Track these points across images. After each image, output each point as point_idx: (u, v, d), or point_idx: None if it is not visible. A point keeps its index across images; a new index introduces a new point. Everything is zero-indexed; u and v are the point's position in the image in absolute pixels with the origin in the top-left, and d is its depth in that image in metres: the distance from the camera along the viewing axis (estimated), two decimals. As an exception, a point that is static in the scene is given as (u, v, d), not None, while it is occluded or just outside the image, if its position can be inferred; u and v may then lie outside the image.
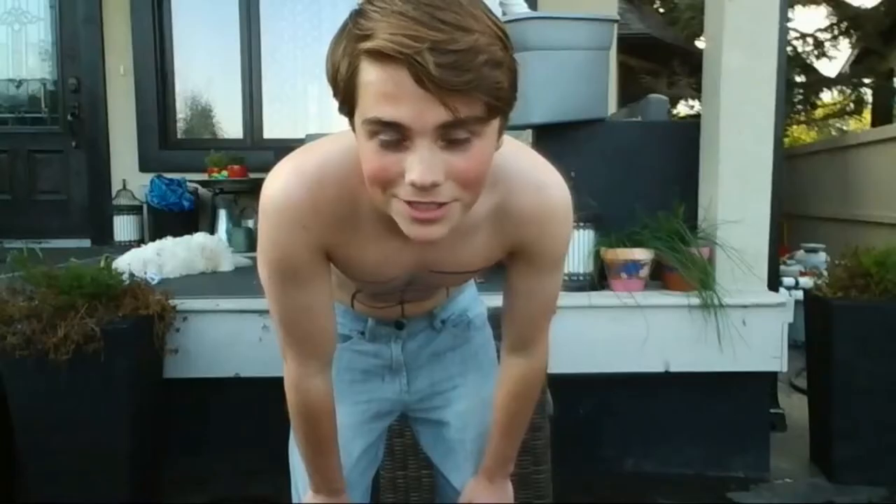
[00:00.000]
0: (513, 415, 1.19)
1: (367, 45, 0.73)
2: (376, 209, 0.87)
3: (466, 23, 0.71)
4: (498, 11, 2.89)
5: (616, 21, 2.86)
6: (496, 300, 2.39)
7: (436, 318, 1.23)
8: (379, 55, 0.72)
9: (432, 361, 1.25)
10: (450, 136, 0.75)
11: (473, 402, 1.26)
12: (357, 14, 0.76)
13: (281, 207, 0.89)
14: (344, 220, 0.92)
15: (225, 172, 4.76)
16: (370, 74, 0.74)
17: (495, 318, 2.29)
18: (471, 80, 0.71)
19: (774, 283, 2.78)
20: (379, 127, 0.75)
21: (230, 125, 5.52)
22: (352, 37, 0.76)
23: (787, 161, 4.65)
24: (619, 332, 2.46)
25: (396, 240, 0.91)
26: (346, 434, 1.16)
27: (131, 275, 2.36)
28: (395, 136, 0.75)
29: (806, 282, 3.81)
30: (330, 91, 0.84)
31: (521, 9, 3.03)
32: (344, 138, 0.89)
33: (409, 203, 0.79)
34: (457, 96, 0.71)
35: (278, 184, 0.90)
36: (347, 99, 0.80)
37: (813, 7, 8.41)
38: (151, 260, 3.08)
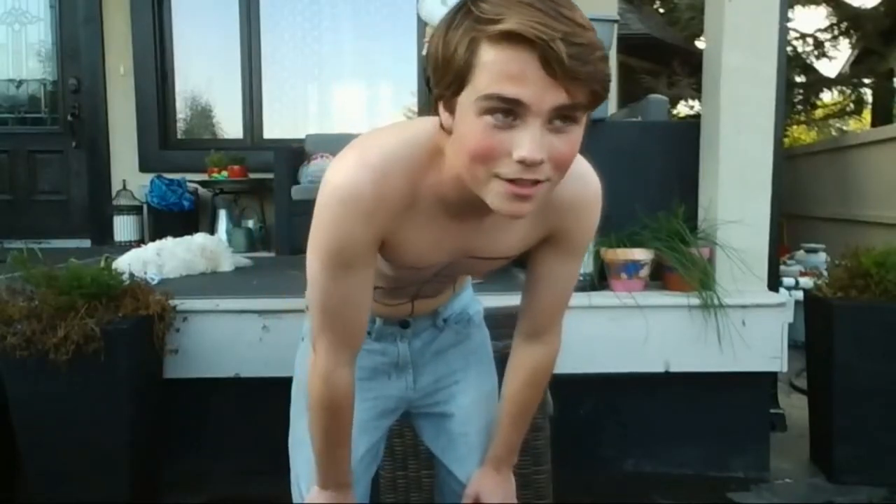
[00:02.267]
0: (524, 403, 1.22)
1: (499, 27, 0.77)
2: (435, 195, 0.94)
3: (584, 21, 0.79)
4: None
5: (616, 21, 2.86)
6: (495, 300, 2.39)
7: (439, 317, 1.25)
8: (511, 37, 0.77)
9: (436, 358, 1.26)
10: (557, 120, 0.81)
11: (476, 395, 1.28)
12: (479, 0, 0.80)
13: (346, 199, 0.91)
14: (404, 208, 0.95)
15: (225, 172, 4.77)
16: (493, 55, 0.79)
17: (492, 318, 2.30)
18: (591, 72, 0.78)
19: (774, 284, 2.77)
20: (497, 103, 0.79)
21: (230, 125, 5.53)
22: (474, 19, 0.79)
23: (787, 161, 4.65)
24: (619, 333, 2.46)
25: (447, 225, 0.98)
26: (352, 431, 1.16)
27: (131, 275, 2.36)
28: (508, 113, 0.80)
29: (806, 282, 3.81)
30: (429, 70, 0.87)
31: None
32: (405, 129, 0.96)
33: (511, 180, 0.83)
34: (577, 83, 0.78)
35: (344, 175, 0.92)
36: (458, 77, 0.82)
37: (813, 7, 8.41)
38: (151, 260, 3.08)
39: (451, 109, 0.85)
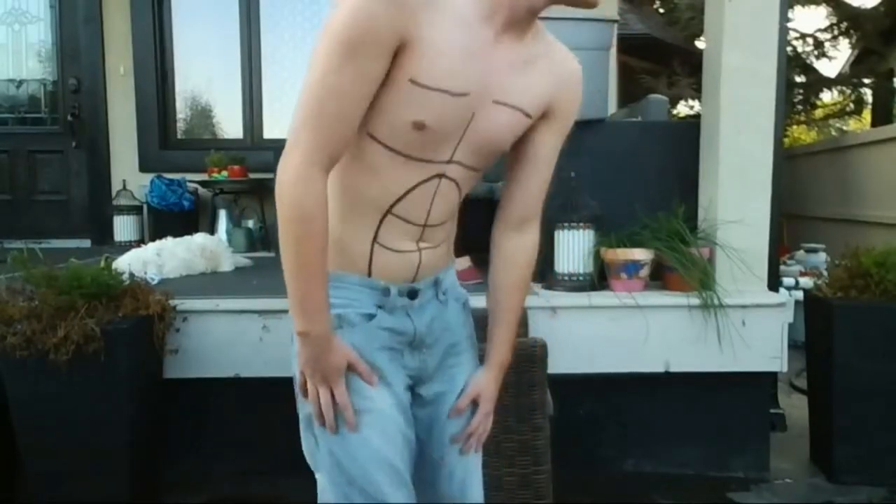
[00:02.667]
0: (520, 297, 1.29)
1: None
2: None
3: None
4: None
5: (616, 21, 2.86)
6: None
7: (440, 287, 1.23)
8: None
9: (443, 337, 1.25)
10: None
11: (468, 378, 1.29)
12: None
13: None
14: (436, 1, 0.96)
15: (225, 172, 4.77)
16: None
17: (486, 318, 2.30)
18: None
19: (774, 284, 2.77)
20: None
21: (230, 125, 5.52)
22: None
23: (787, 161, 4.66)
24: (619, 333, 2.46)
25: (479, 34, 1.00)
26: (403, 416, 1.15)
27: (131, 275, 2.36)
28: None
29: (806, 282, 3.81)
30: None
31: None
32: None
33: None
34: None
35: None
36: None
37: (813, 7, 8.40)
38: (151, 260, 3.08)
39: None
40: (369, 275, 1.13)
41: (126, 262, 2.88)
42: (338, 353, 1.08)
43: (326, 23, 0.97)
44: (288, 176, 1.01)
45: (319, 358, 1.08)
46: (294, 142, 1.01)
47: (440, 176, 1.10)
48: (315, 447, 1.15)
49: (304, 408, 1.16)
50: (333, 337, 1.08)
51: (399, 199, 1.10)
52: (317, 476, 1.17)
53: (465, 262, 3.00)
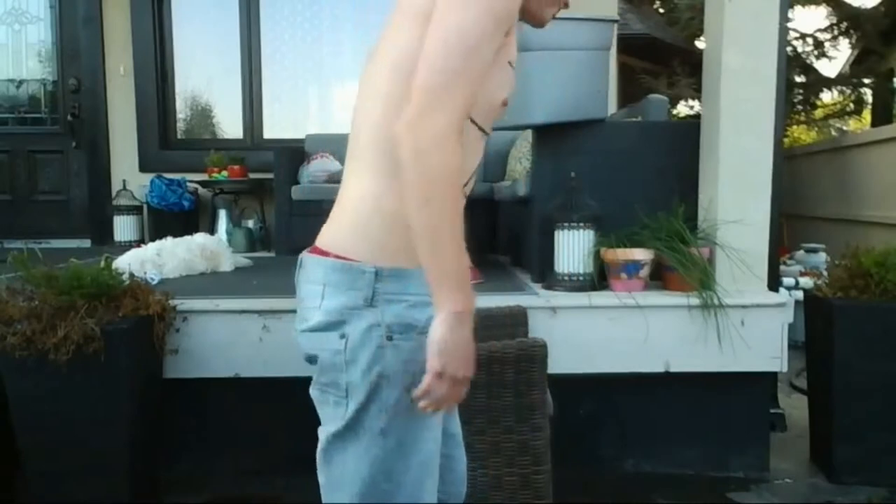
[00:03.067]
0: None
1: None
2: None
3: None
4: None
5: (616, 21, 2.86)
6: (496, 300, 2.38)
7: None
8: None
9: None
10: None
11: None
12: None
13: None
14: None
15: (225, 172, 4.77)
16: None
17: (492, 317, 2.30)
18: None
19: (774, 284, 2.77)
20: None
21: (230, 125, 5.53)
22: None
23: (787, 161, 4.66)
24: (619, 333, 2.46)
25: None
26: None
27: (131, 275, 2.36)
28: None
29: (806, 282, 3.81)
30: None
31: None
32: None
33: None
34: None
35: None
36: None
37: (813, 7, 8.40)
38: (151, 260, 3.08)
39: None
40: None
41: (126, 262, 2.88)
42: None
43: None
44: (436, 140, 0.92)
45: (470, 341, 0.97)
46: (436, 102, 0.93)
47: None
48: (350, 455, 1.04)
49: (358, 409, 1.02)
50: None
51: (470, 177, 1.07)
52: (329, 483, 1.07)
53: (464, 262, 3.00)
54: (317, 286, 1.07)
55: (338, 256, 1.06)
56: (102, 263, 2.27)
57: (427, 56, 0.96)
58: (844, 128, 11.12)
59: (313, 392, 1.09)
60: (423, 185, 0.93)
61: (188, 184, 4.91)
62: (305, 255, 1.14)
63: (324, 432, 1.07)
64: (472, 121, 1.04)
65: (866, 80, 8.59)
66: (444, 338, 0.96)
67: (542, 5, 1.17)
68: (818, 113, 9.43)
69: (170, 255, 3.16)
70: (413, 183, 0.94)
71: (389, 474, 1.03)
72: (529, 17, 1.16)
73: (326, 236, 1.14)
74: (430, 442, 1.06)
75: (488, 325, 2.25)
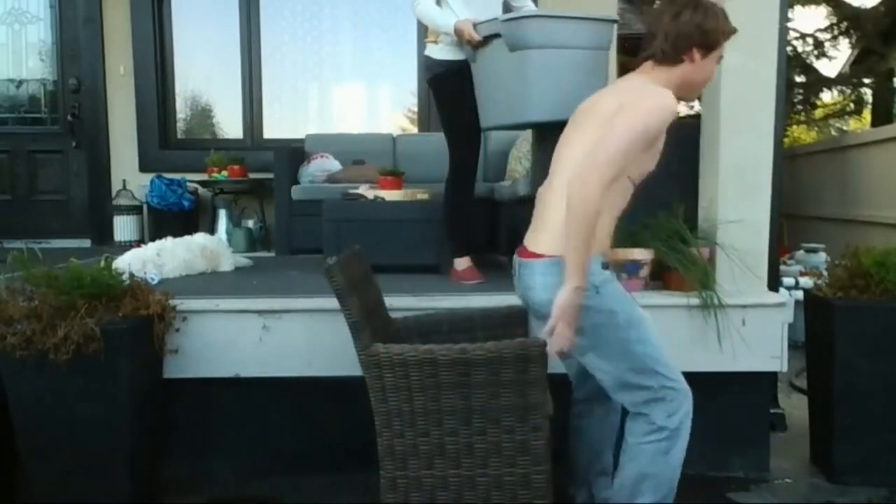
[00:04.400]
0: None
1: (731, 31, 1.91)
2: None
3: None
4: (496, 7, 2.90)
5: (616, 21, 2.86)
6: (495, 300, 2.37)
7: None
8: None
9: None
10: None
11: None
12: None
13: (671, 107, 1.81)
14: None
15: (225, 172, 4.77)
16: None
17: (490, 317, 2.30)
18: None
19: (774, 284, 2.77)
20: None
21: (230, 125, 5.53)
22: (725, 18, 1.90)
23: (787, 161, 4.65)
24: (619, 332, 2.46)
25: None
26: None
27: (131, 275, 2.36)
28: None
29: (806, 282, 3.81)
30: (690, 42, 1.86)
31: (529, 5, 3.03)
32: (651, 86, 1.85)
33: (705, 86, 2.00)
34: None
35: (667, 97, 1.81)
36: (713, 45, 1.88)
37: (813, 7, 8.40)
38: (151, 260, 3.08)
39: (695, 59, 1.86)
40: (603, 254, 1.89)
41: (126, 262, 2.88)
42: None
43: (638, 102, 1.78)
44: (592, 189, 1.69)
45: (578, 306, 1.73)
46: (594, 173, 1.70)
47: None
48: (610, 349, 1.85)
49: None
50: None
51: (622, 211, 1.94)
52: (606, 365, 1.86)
53: (465, 263, 3.00)
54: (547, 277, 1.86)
55: (551, 256, 1.84)
56: (102, 263, 2.27)
57: (599, 144, 1.74)
58: (844, 128, 11.12)
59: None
60: (578, 211, 1.70)
61: (188, 184, 4.91)
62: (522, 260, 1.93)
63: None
64: (629, 178, 1.84)
65: (866, 80, 8.59)
66: (567, 300, 1.71)
67: (696, 89, 2.01)
68: (818, 113, 9.43)
69: (170, 255, 3.16)
70: (569, 211, 1.71)
71: (641, 350, 1.87)
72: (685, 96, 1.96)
73: (542, 244, 1.89)
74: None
75: (488, 326, 2.25)
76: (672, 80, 1.86)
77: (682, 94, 1.91)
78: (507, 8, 2.96)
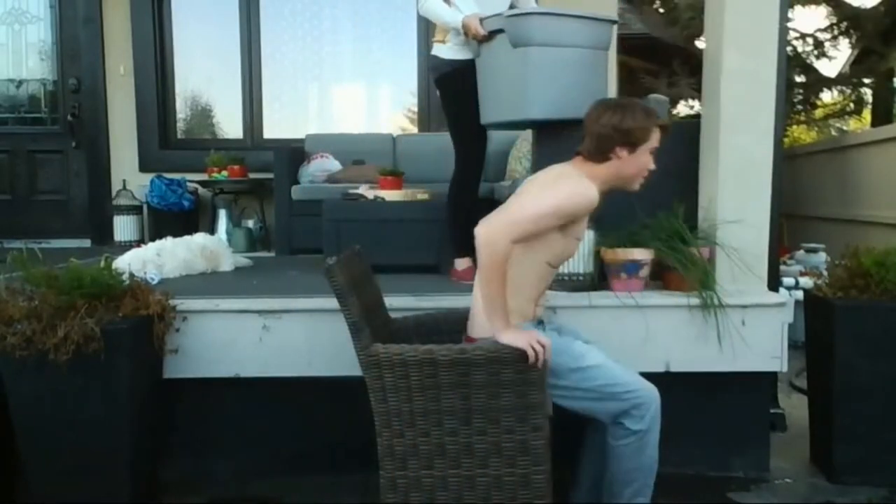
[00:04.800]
0: None
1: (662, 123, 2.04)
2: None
3: None
4: (504, 5, 2.91)
5: (616, 22, 2.86)
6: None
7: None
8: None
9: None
10: None
11: None
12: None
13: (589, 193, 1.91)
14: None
15: (225, 172, 4.77)
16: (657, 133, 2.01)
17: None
18: None
19: (774, 283, 2.77)
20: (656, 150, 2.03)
21: (230, 125, 5.53)
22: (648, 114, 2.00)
23: (787, 161, 4.65)
24: (619, 332, 2.46)
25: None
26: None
27: (131, 275, 2.36)
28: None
29: (806, 282, 3.81)
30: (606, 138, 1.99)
31: (533, 4, 3.04)
32: (576, 176, 1.98)
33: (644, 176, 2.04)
34: None
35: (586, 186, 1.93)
36: (636, 143, 1.99)
37: (813, 7, 8.40)
38: (151, 260, 3.08)
39: (622, 154, 1.99)
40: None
41: (126, 262, 2.88)
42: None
43: (559, 184, 1.93)
44: (497, 234, 1.79)
45: (511, 334, 1.82)
46: (504, 221, 1.82)
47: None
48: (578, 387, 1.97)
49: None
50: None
51: (542, 294, 2.09)
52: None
53: (465, 263, 3.00)
54: None
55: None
56: (102, 263, 2.27)
57: (514, 203, 1.92)
58: (844, 128, 11.12)
59: None
60: (480, 263, 1.81)
61: (188, 184, 4.91)
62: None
63: None
64: (549, 263, 1.98)
65: (866, 80, 8.59)
66: (509, 339, 1.79)
67: (632, 181, 2.05)
68: (818, 113, 9.43)
69: (170, 255, 3.15)
70: (479, 259, 1.81)
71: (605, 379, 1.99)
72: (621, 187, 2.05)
73: (476, 328, 2.02)
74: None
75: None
76: (602, 175, 1.98)
77: (620, 185, 2.03)
78: (515, 6, 2.97)
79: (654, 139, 2.02)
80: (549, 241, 1.92)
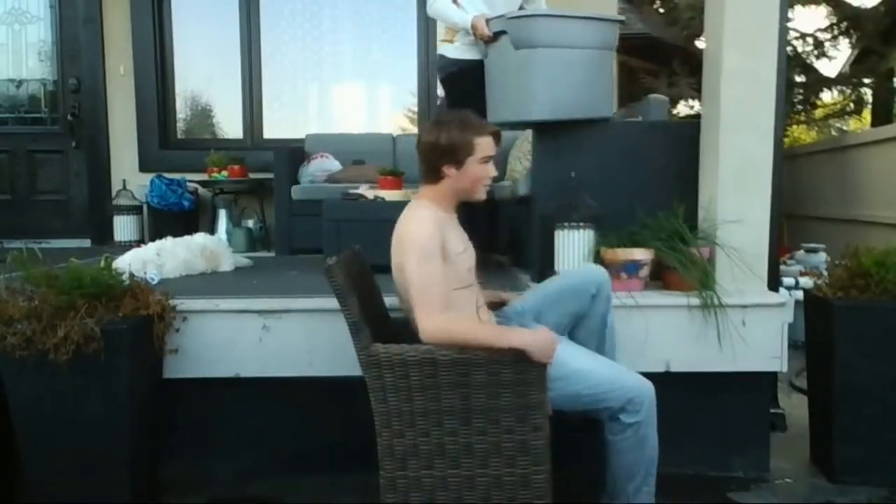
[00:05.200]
0: None
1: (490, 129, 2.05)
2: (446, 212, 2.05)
3: None
4: (513, 5, 2.91)
5: (622, 21, 2.86)
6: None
7: None
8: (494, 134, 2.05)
9: None
10: None
11: None
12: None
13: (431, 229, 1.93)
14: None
15: (225, 172, 4.77)
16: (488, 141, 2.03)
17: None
18: None
19: (774, 283, 2.77)
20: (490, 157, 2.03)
21: (230, 125, 5.53)
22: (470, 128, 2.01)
23: (787, 161, 4.66)
24: (619, 332, 2.45)
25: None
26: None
27: (131, 275, 2.36)
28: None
29: (806, 282, 3.81)
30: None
31: (541, 5, 3.04)
32: (413, 212, 2.01)
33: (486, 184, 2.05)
34: None
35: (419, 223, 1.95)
36: (461, 158, 1.99)
37: (813, 7, 8.40)
38: (151, 260, 3.07)
39: (455, 170, 2.00)
40: None
41: (126, 262, 2.88)
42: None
43: (406, 241, 1.91)
44: (432, 326, 1.80)
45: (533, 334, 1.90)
46: (424, 309, 1.84)
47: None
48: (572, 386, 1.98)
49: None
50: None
51: (480, 306, 2.10)
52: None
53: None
54: None
55: None
56: (102, 263, 2.27)
57: (410, 292, 1.88)
58: (844, 128, 11.12)
59: None
60: (455, 344, 1.80)
61: (188, 184, 4.91)
62: None
63: None
64: (456, 290, 1.96)
65: (866, 80, 8.59)
66: (529, 341, 1.81)
67: (472, 193, 2.07)
68: (818, 113, 9.43)
69: (170, 255, 3.15)
70: (451, 344, 1.81)
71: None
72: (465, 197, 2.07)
73: None
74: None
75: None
76: (441, 194, 2.01)
77: (466, 198, 2.05)
78: (524, 7, 2.98)
79: (484, 148, 1.99)
80: (445, 277, 1.92)
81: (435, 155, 1.97)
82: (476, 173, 2.00)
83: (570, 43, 2.58)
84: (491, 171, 2.03)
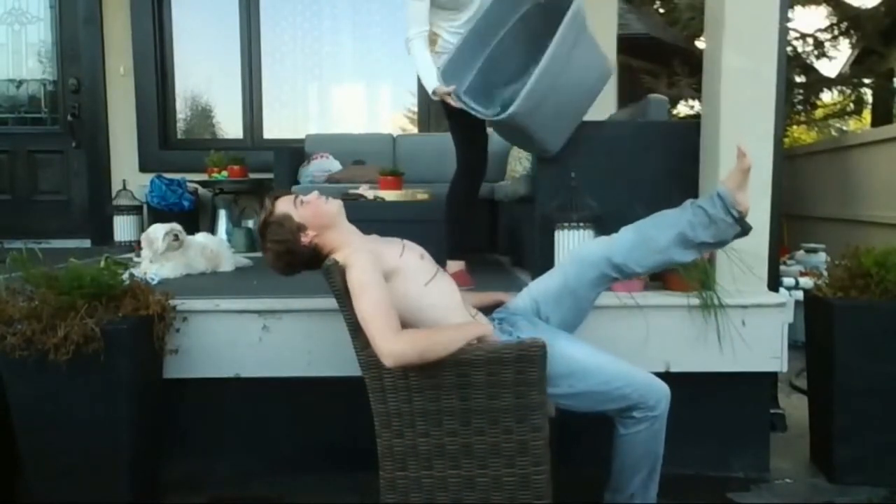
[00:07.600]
0: None
1: None
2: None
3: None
4: None
5: (610, 72, 2.77)
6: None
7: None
8: None
9: None
10: None
11: None
12: None
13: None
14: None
15: (225, 172, 4.77)
16: None
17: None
18: None
19: (774, 284, 2.77)
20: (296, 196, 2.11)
21: (230, 125, 5.53)
22: None
23: (787, 161, 4.66)
24: (619, 332, 2.46)
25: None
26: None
27: (131, 275, 2.36)
28: None
29: (806, 282, 3.81)
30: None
31: None
32: (349, 254, 1.95)
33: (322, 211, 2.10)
34: None
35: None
36: (298, 230, 2.06)
37: (813, 7, 8.40)
38: (177, 229, 3.11)
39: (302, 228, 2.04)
40: None
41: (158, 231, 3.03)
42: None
43: (352, 274, 1.87)
44: (390, 351, 1.74)
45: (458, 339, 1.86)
46: (378, 336, 1.76)
47: None
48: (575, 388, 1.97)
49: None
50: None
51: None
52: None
53: (456, 266, 2.98)
54: None
55: None
56: (102, 263, 2.27)
57: (364, 320, 1.80)
58: (844, 128, 11.12)
59: None
60: (420, 361, 1.77)
61: (188, 184, 4.91)
62: None
63: None
64: (435, 305, 1.98)
65: (866, 80, 8.59)
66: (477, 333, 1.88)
67: (326, 218, 2.08)
68: (818, 113, 9.43)
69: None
70: (416, 363, 1.79)
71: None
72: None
73: None
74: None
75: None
76: (336, 235, 2.04)
77: (329, 221, 2.05)
78: None
79: (288, 208, 2.04)
80: (404, 297, 1.91)
81: (282, 252, 2.04)
82: (310, 212, 2.03)
83: (563, 93, 2.52)
84: (315, 199, 2.06)
